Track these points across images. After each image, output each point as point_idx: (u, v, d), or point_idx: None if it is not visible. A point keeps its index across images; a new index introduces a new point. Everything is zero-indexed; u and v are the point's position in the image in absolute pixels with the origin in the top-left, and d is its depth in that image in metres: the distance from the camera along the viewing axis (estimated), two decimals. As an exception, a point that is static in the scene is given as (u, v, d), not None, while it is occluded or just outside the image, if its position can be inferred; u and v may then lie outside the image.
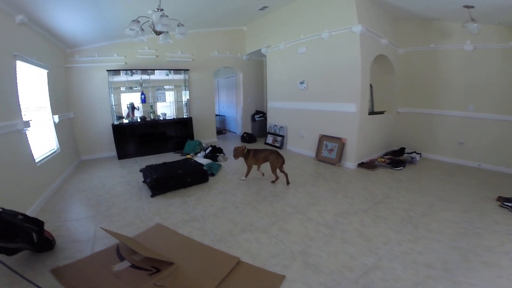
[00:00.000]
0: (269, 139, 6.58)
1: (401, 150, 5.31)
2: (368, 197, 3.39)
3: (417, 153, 5.18)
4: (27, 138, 3.16)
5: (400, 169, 4.50)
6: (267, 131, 6.74)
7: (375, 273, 1.93)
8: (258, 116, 7.71)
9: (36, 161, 3.36)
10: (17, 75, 3.07)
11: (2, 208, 1.92)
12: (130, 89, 5.81)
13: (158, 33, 3.29)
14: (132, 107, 5.77)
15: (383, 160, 4.80)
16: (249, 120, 7.95)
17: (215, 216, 2.93)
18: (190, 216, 2.94)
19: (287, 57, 5.81)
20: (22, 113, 3.12)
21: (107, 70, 5.39)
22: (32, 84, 3.68)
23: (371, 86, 5.35)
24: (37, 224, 2.19)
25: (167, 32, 3.37)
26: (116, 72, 5.54)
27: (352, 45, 4.34)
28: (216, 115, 8.37)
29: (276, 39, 6.00)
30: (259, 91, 7.92)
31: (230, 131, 9.06)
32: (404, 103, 5.58)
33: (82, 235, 2.57)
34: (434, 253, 2.17)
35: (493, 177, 4.05)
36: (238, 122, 8.15)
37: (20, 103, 3.09)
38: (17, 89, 3.06)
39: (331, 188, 3.73)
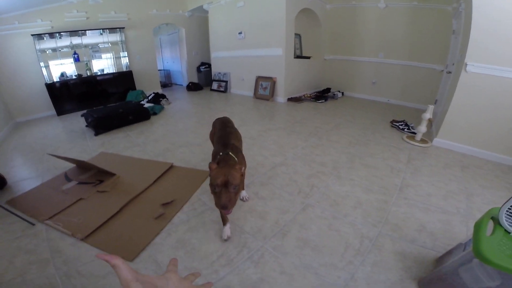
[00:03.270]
0: (215, 85, 7.12)
1: (327, 90, 6.11)
2: (289, 120, 4.10)
3: (340, 92, 6.05)
4: None
5: (322, 101, 5.37)
6: (212, 78, 7.28)
7: (280, 167, 2.53)
8: (203, 67, 7.99)
9: None
10: None
11: None
12: (57, 52, 5.49)
13: None
14: (62, 75, 5.57)
15: (309, 95, 5.67)
16: (195, 72, 8.20)
17: (155, 141, 3.36)
18: (132, 144, 3.31)
19: (227, 12, 6.13)
20: None
21: (31, 35, 5.05)
22: None
23: (299, 35, 6.08)
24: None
25: None
26: (44, 35, 5.20)
27: None
28: (161, 70, 8.36)
29: None
30: (203, 45, 8.01)
31: (176, 84, 9.19)
32: (331, 52, 6.33)
33: (31, 174, 2.76)
34: (328, 155, 2.80)
35: (396, 109, 4.95)
36: (184, 74, 8.32)
37: None
38: None
39: (260, 115, 4.42)
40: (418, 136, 3.20)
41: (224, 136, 1.85)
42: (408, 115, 4.44)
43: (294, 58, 5.56)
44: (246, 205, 1.97)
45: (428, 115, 3.09)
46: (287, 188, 2.19)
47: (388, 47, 5.36)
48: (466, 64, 2.67)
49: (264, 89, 5.70)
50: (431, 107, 3.11)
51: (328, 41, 6.26)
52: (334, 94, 5.79)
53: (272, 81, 5.51)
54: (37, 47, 5.17)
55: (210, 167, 1.40)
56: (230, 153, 1.61)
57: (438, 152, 2.93)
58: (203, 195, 2.10)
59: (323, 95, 5.68)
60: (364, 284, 1.33)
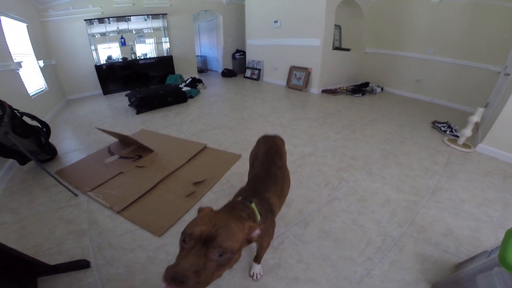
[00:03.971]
0: (248, 72, 7.20)
1: (366, 84, 5.84)
2: (322, 111, 4.03)
3: (379, 87, 5.76)
4: (20, 76, 3.57)
5: (358, 95, 5.16)
6: (246, 66, 7.35)
7: (309, 158, 2.53)
8: (238, 54, 8.10)
9: (30, 94, 3.78)
10: (2, 27, 3.37)
11: (17, 110, 2.25)
12: (106, 36, 5.90)
13: None
14: (109, 58, 5.98)
15: (345, 88, 5.47)
16: (230, 59, 8.32)
17: (191, 122, 3.54)
18: (170, 123, 3.53)
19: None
20: (13, 57, 3.48)
21: (84, 20, 5.46)
22: (17, 35, 3.98)
23: (339, 26, 5.84)
24: (45, 127, 2.61)
25: None
26: (94, 21, 5.61)
27: None
28: (198, 56, 8.58)
29: None
30: (239, 32, 8.07)
31: (212, 70, 9.40)
32: (373, 44, 6.01)
33: (79, 146, 3.04)
34: (360, 150, 2.73)
35: (440, 110, 4.60)
36: (220, 61, 8.46)
37: (9, 49, 3.43)
38: (5, 38, 3.38)
39: (293, 105, 4.39)
40: (461, 140, 2.96)
41: (262, 177, 1.26)
42: (452, 117, 4.12)
43: (333, 49, 5.38)
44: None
45: (475, 118, 2.83)
46: (314, 178, 2.19)
47: (439, 43, 4.93)
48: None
49: (298, 79, 5.62)
50: (480, 110, 2.84)
51: (370, 33, 5.95)
52: (373, 89, 5.53)
53: (307, 71, 5.40)
54: (89, 32, 5.58)
55: (198, 210, 0.87)
56: (253, 205, 1.04)
57: (481, 158, 2.70)
58: (232, 177, 2.19)
59: (360, 89, 5.44)
60: (379, 281, 1.32)
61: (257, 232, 0.85)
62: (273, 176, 1.28)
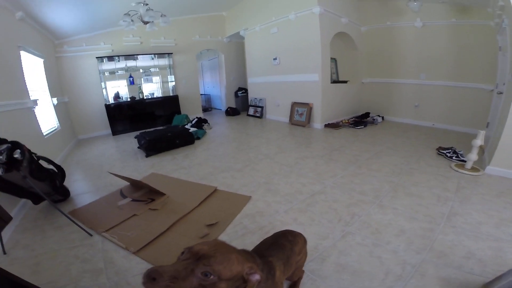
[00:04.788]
0: (251, 110, 7.34)
1: (366, 114, 6.00)
2: (326, 147, 4.08)
3: (380, 116, 5.89)
4: (35, 115, 3.69)
5: (361, 127, 5.24)
6: (249, 104, 7.50)
7: (319, 196, 2.54)
8: (240, 92, 8.37)
9: (44, 133, 3.89)
10: (21, 63, 3.59)
11: (35, 154, 2.33)
12: (115, 74, 6.24)
13: (145, 23, 3.91)
14: (117, 96, 6.28)
15: (347, 121, 5.56)
16: (233, 97, 8.57)
17: (199, 165, 3.59)
18: (179, 166, 3.58)
19: (262, 38, 6.40)
20: (30, 94, 3.65)
21: (96, 58, 5.82)
22: (32, 71, 4.16)
23: (335, 59, 6.12)
24: (61, 171, 2.70)
25: (153, 21, 3.94)
26: (105, 58, 5.96)
27: (313, 24, 4.98)
28: (202, 94, 8.90)
29: (252, 21, 6.54)
30: (240, 70, 8.44)
31: (215, 108, 9.67)
32: (368, 74, 6.25)
33: (90, 188, 3.11)
34: (369, 184, 2.74)
35: (442, 134, 4.67)
36: (223, 99, 8.73)
37: (27, 86, 3.61)
38: (24, 75, 3.58)
39: (297, 142, 4.45)
40: (469, 164, 2.99)
41: (268, 243, 1.26)
42: (456, 140, 4.18)
43: (331, 83, 5.55)
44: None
45: (479, 141, 2.90)
46: (326, 215, 2.20)
47: (430, 68, 5.16)
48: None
49: (300, 115, 5.72)
50: (482, 133, 2.91)
51: (365, 63, 6.21)
52: (374, 119, 5.66)
53: (308, 107, 5.52)
54: (99, 68, 5.90)
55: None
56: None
57: (491, 180, 2.72)
58: (244, 219, 2.20)
59: (361, 120, 5.56)
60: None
61: (256, 277, 0.80)
62: (280, 245, 1.23)
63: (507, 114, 2.65)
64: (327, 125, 5.44)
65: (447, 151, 3.47)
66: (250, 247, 1.70)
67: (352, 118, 5.91)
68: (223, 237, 1.97)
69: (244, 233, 2.01)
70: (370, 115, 6.02)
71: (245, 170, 3.29)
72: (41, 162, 2.38)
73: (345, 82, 5.99)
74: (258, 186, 2.80)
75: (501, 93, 3.39)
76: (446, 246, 1.73)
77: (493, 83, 4.24)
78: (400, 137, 4.51)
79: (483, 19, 4.28)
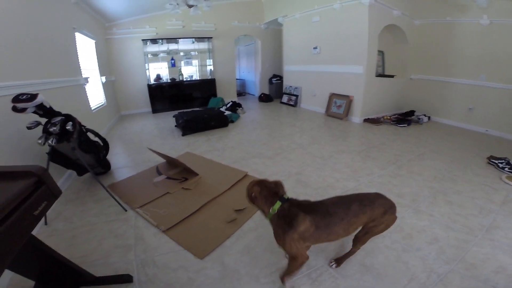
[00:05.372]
0: (285, 98, 7.22)
1: (411, 112, 5.60)
2: (365, 143, 3.90)
3: (426, 116, 5.46)
4: (86, 91, 4.02)
5: (404, 126, 4.89)
6: (283, 91, 7.38)
7: (352, 192, 2.46)
8: (275, 79, 8.29)
9: (92, 108, 4.22)
10: (76, 43, 3.87)
11: (84, 126, 2.49)
12: (158, 56, 6.55)
13: (190, 6, 3.97)
14: (158, 77, 6.59)
15: (389, 118, 5.21)
16: (267, 84, 8.55)
17: (232, 148, 3.66)
18: (213, 148, 3.69)
19: (302, 26, 6.18)
20: (82, 72, 3.95)
21: (142, 40, 6.15)
22: (85, 51, 4.46)
23: (382, 52, 5.73)
24: (106, 145, 2.90)
25: (197, 5, 3.99)
26: (149, 41, 6.26)
27: (361, 15, 4.68)
28: (237, 79, 8.94)
29: (292, 9, 6.33)
30: (276, 57, 8.35)
31: (249, 93, 9.75)
32: (418, 70, 5.75)
33: (129, 163, 3.31)
34: (407, 187, 2.60)
35: (496, 142, 4.22)
36: (257, 85, 8.74)
37: (80, 65, 3.91)
38: (78, 54, 3.87)
39: (333, 134, 4.31)
40: None
41: (316, 204, 1.34)
42: (511, 150, 3.77)
43: (376, 76, 5.24)
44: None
45: None
46: (357, 214, 2.14)
47: (493, 69, 4.60)
48: None
49: (338, 107, 5.51)
50: None
51: (415, 59, 5.74)
52: (419, 118, 5.24)
53: (348, 99, 5.28)
54: (144, 51, 6.22)
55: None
56: (278, 202, 1.27)
57: None
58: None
59: (405, 118, 5.19)
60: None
61: (253, 194, 1.32)
62: (331, 212, 1.28)
63: None
64: (367, 120, 5.17)
65: (499, 161, 3.16)
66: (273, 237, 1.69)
67: (395, 115, 5.53)
68: (250, 223, 2.01)
69: (270, 221, 2.03)
70: (415, 113, 5.61)
71: (277, 158, 3.28)
72: (89, 134, 2.56)
73: (391, 76, 5.59)
74: (289, 176, 2.77)
75: None
76: (478, 259, 1.66)
77: None
78: (447, 141, 4.16)
79: None
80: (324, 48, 5.72)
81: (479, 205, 2.29)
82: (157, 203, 2.29)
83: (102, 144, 2.86)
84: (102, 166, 2.90)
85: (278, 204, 1.28)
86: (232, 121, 5.03)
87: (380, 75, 5.58)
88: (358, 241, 1.50)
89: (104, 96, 5.10)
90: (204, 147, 3.71)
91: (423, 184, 2.67)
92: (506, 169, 3.02)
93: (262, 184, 1.35)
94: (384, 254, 1.70)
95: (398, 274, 1.53)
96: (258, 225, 1.99)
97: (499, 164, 3.12)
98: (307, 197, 2.29)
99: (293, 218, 1.23)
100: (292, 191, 2.46)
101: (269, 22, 7.54)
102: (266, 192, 1.32)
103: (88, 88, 4.14)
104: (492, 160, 3.24)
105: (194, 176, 2.72)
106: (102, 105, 4.86)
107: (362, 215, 1.31)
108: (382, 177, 2.82)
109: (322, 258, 1.66)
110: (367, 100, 5.16)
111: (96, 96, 4.72)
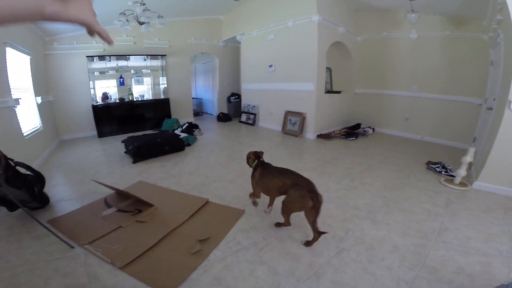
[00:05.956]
0: (243, 117, 7.24)
1: (357, 125, 6.06)
2: (319, 159, 4.06)
3: (371, 128, 5.97)
4: (16, 114, 3.49)
5: (352, 139, 5.27)
6: (241, 110, 7.39)
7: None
8: (233, 97, 8.29)
9: (24, 134, 3.68)
10: (6, 60, 3.40)
11: (12, 160, 2.22)
12: (105, 73, 6.04)
13: (141, 23, 3.75)
14: (105, 96, 6.05)
15: (339, 132, 5.58)
16: (225, 102, 8.48)
17: (190, 174, 3.46)
18: (168, 174, 3.44)
19: (258, 44, 6.37)
20: (12, 93, 3.45)
21: (86, 56, 5.64)
22: (17, 68, 3.95)
23: (330, 69, 6.14)
24: (40, 178, 2.55)
25: (149, 22, 3.81)
26: (95, 57, 5.78)
27: (311, 32, 4.98)
28: (194, 98, 8.77)
29: (250, 27, 6.52)
30: (234, 75, 8.40)
31: (207, 113, 9.56)
32: (362, 85, 6.32)
33: (72, 195, 2.94)
34: (362, 199, 2.75)
35: (431, 147, 4.78)
36: (215, 104, 8.63)
37: (9, 84, 3.41)
38: (7, 72, 3.39)
39: (290, 153, 4.40)
40: (457, 180, 3.07)
41: (270, 167, 2.32)
42: (443, 154, 4.29)
43: (325, 93, 5.54)
44: (279, 247, 1.96)
45: (468, 158, 2.99)
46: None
47: (422, 80, 5.25)
48: (511, 102, 2.55)
49: (293, 124, 5.67)
50: (472, 150, 2.99)
51: (358, 74, 6.26)
52: (365, 131, 5.72)
53: (301, 116, 5.48)
54: (89, 67, 5.70)
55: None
56: (256, 162, 2.38)
57: (479, 195, 2.82)
58: (238, 234, 2.12)
59: (353, 131, 5.60)
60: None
61: (252, 157, 2.43)
62: (273, 171, 2.24)
63: (497, 131, 2.73)
64: (320, 136, 5.41)
65: (436, 165, 3.54)
66: (244, 264, 1.66)
67: (343, 129, 5.92)
68: (217, 253, 1.89)
69: (238, 249, 1.94)
70: (361, 126, 6.09)
71: (238, 181, 3.20)
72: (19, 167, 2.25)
73: (338, 92, 6.01)
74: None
75: (490, 108, 3.46)
76: (437, 262, 1.78)
77: (482, 97, 4.35)
78: (391, 150, 4.57)
79: (477, 32, 4.40)
80: (279, 66, 5.91)
81: (427, 209, 2.52)
82: (109, 238, 2.05)
83: (35, 177, 2.51)
84: (38, 201, 2.52)
85: (256, 162, 2.37)
86: (189, 144, 4.79)
87: (329, 91, 5.95)
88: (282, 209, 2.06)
89: (39, 119, 4.52)
90: (158, 175, 3.46)
91: (376, 194, 2.85)
92: (443, 172, 3.39)
93: (253, 153, 2.44)
94: (352, 267, 1.73)
95: (369, 286, 1.57)
96: (226, 254, 1.89)
97: (436, 169, 3.50)
98: (272, 219, 2.31)
99: (256, 168, 2.32)
100: (256, 215, 2.42)
101: (227, 39, 7.61)
102: (254, 156, 2.41)
103: (20, 110, 3.63)
104: (430, 165, 3.63)
105: (148, 207, 2.49)
106: (37, 129, 4.30)
107: (284, 183, 2.06)
108: (338, 191, 2.94)
109: (294, 281, 1.63)
110: (319, 116, 5.41)
111: (29, 119, 4.18)
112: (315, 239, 1.92)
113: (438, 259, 1.80)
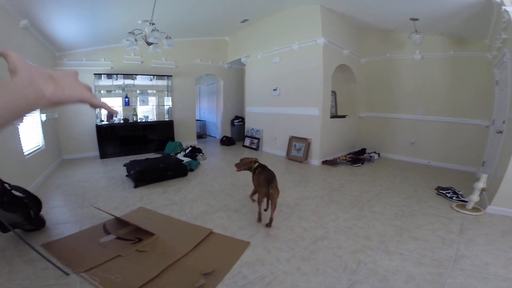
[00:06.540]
0: (247, 141, 7.10)
1: (362, 151, 5.96)
2: (325, 187, 3.94)
3: (376, 153, 5.85)
4: (19, 132, 3.45)
5: (358, 165, 5.14)
6: (245, 134, 7.24)
7: (322, 242, 2.39)
8: (237, 121, 8.21)
9: (25, 153, 3.61)
10: None
11: (9, 184, 2.17)
12: (111, 92, 6.04)
13: (149, 44, 3.80)
14: (110, 115, 5.98)
15: (344, 158, 5.44)
16: (229, 125, 8.41)
17: (193, 201, 3.34)
18: (170, 201, 3.33)
19: (263, 66, 6.34)
20: None
21: (94, 74, 5.67)
22: None
23: (334, 92, 6.13)
24: (37, 201, 2.46)
25: (157, 43, 3.86)
26: (103, 75, 5.82)
27: (317, 55, 4.97)
28: (197, 120, 8.72)
29: (255, 49, 6.54)
30: (238, 97, 8.39)
31: (210, 135, 9.46)
32: (366, 108, 6.28)
33: (70, 218, 2.83)
34: (373, 228, 2.64)
35: (438, 172, 4.68)
36: (218, 127, 8.54)
37: None
38: None
39: (295, 180, 4.27)
40: (470, 205, 2.99)
41: (266, 171, 2.83)
42: (452, 179, 4.22)
43: (330, 117, 5.44)
44: (286, 280, 1.84)
45: (481, 184, 2.93)
46: (331, 264, 2.04)
47: (427, 102, 5.21)
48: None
49: (298, 150, 5.49)
50: (484, 176, 2.95)
51: (363, 97, 6.22)
52: (371, 156, 5.58)
53: (307, 142, 5.31)
54: (96, 84, 5.71)
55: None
56: (256, 164, 3.05)
57: (493, 219, 2.77)
58: (244, 268, 2.00)
59: (359, 157, 5.46)
60: None
61: (251, 161, 3.09)
62: (265, 172, 2.79)
63: (510, 154, 2.68)
64: (325, 162, 5.26)
65: (446, 191, 3.46)
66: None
67: (349, 154, 5.77)
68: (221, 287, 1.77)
69: (244, 284, 1.81)
70: (367, 151, 5.96)
71: (243, 210, 3.07)
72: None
73: (343, 116, 5.93)
74: (257, 229, 2.59)
75: (500, 132, 3.37)
76: None
77: (488, 119, 4.28)
78: (398, 176, 4.47)
79: (480, 51, 4.41)
80: (283, 90, 5.84)
81: (440, 237, 2.44)
82: (107, 267, 1.94)
83: (32, 200, 2.43)
84: (33, 224, 2.44)
85: (256, 164, 2.99)
86: (192, 169, 4.64)
87: (334, 116, 5.86)
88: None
89: (42, 138, 4.45)
90: (160, 201, 3.34)
91: (386, 223, 2.75)
92: (454, 198, 3.30)
93: (250, 159, 3.06)
94: (368, 302, 1.62)
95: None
96: (230, 289, 1.76)
97: (447, 194, 3.41)
98: (279, 252, 2.20)
99: (256, 168, 2.94)
100: (263, 247, 2.29)
101: (232, 61, 7.65)
102: (250, 160, 3.05)
103: (22, 127, 3.57)
104: (440, 191, 3.54)
105: (149, 236, 2.37)
106: (39, 148, 4.23)
107: (264, 178, 2.66)
108: (347, 220, 2.82)
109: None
110: (324, 142, 5.26)
111: (32, 137, 4.09)
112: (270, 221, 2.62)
113: (456, 286, 1.75)
